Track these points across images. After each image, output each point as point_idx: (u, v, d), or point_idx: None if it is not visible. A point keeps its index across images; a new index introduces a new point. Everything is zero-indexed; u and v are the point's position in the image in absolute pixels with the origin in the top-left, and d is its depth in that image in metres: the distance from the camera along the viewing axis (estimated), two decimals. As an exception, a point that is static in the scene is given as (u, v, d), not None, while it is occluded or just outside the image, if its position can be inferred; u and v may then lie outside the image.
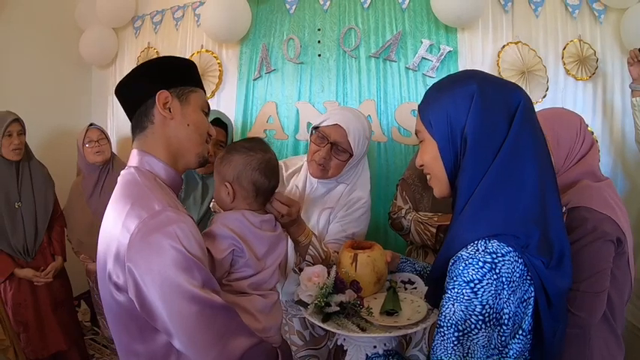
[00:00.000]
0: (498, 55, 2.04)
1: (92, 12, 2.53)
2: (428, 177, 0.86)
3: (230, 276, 0.96)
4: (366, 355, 1.02)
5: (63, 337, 2.02)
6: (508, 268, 0.69)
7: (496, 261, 0.69)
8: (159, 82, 0.88)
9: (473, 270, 0.69)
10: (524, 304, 0.72)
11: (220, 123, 1.71)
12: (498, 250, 0.70)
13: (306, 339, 1.35)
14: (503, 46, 2.05)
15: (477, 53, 2.06)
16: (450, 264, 0.74)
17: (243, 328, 0.84)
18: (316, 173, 1.29)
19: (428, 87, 2.09)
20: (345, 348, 1.07)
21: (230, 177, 0.99)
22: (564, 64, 2.04)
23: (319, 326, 1.01)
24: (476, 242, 0.71)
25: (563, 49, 2.04)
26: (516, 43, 2.04)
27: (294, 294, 1.09)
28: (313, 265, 1.15)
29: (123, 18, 2.58)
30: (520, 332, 0.72)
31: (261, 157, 1.01)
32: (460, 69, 2.05)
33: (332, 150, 1.26)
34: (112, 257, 0.78)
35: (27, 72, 2.40)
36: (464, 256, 0.71)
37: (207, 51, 2.35)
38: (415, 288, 1.17)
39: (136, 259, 0.74)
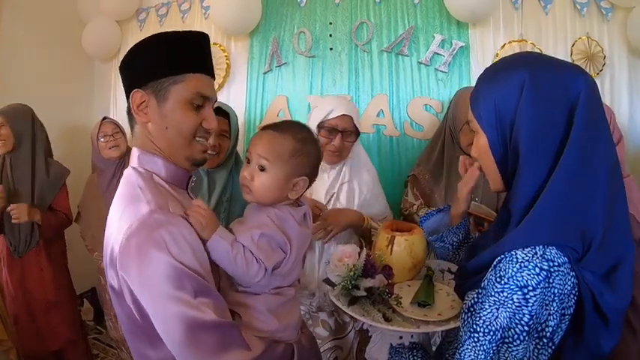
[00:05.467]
0: (497, 55, 2.06)
1: (95, 4, 2.48)
2: (481, 171, 0.82)
3: None
4: (391, 344, 0.99)
5: (53, 339, 1.95)
6: (561, 279, 0.65)
7: (552, 270, 0.64)
8: (134, 78, 0.79)
9: (528, 275, 0.64)
10: (564, 318, 0.67)
11: (221, 112, 1.60)
12: (556, 259, 0.65)
13: (332, 328, 1.34)
14: (503, 45, 2.06)
15: (489, 49, 2.07)
16: (498, 260, 0.69)
17: (239, 344, 0.76)
18: (333, 160, 1.44)
19: (440, 81, 2.13)
20: (369, 334, 1.05)
21: (307, 171, 0.90)
22: (573, 61, 2.05)
23: (343, 312, 0.97)
24: (534, 246, 0.66)
25: (572, 45, 2.07)
26: (519, 42, 2.06)
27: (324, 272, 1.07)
28: None
29: (127, 10, 2.53)
30: (550, 345, 0.68)
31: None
32: (472, 64, 2.06)
33: (342, 136, 1.40)
34: (108, 261, 0.76)
35: (28, 65, 2.33)
36: (519, 257, 0.66)
37: (214, 44, 2.31)
38: (453, 279, 1.12)
39: (127, 268, 0.71)
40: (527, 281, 0.64)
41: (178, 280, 0.70)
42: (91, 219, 2.00)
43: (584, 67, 2.04)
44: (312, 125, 1.40)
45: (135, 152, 0.83)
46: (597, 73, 2.06)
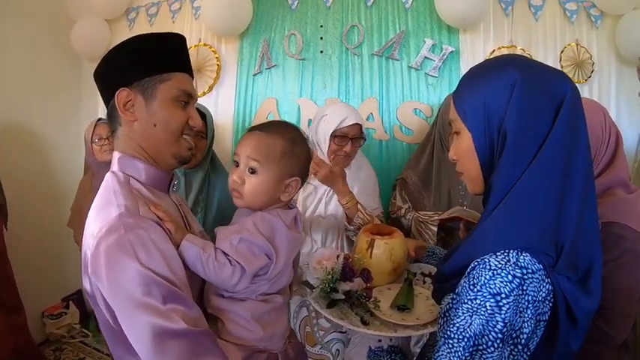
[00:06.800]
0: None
1: (85, 3, 2.44)
2: (459, 173, 0.79)
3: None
4: (370, 347, 1.00)
5: None
6: (535, 286, 0.65)
7: (525, 277, 0.64)
8: (118, 78, 0.78)
9: (501, 282, 0.64)
10: (539, 325, 0.67)
11: (198, 112, 1.62)
12: (529, 266, 0.65)
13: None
14: (493, 51, 2.07)
15: (479, 54, 2.08)
16: (472, 267, 0.68)
17: (213, 353, 0.74)
18: (345, 164, 1.56)
19: (430, 86, 2.14)
20: (348, 336, 1.05)
21: (298, 171, 0.88)
22: (562, 67, 2.07)
23: (323, 315, 0.97)
24: (507, 252, 0.66)
25: (561, 52, 2.08)
26: (509, 47, 2.07)
27: (302, 274, 1.06)
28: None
29: (116, 9, 2.50)
30: (525, 350, 0.67)
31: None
32: (462, 69, 2.07)
33: (352, 143, 1.52)
34: (82, 267, 0.76)
35: (15, 63, 2.29)
36: (492, 265, 0.65)
37: (205, 45, 2.29)
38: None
39: (97, 273, 0.71)
40: (500, 289, 0.64)
41: (146, 286, 0.68)
42: (84, 221, 1.92)
43: (572, 74, 2.06)
44: (323, 133, 1.49)
45: (116, 156, 0.83)
46: (586, 80, 2.07)
